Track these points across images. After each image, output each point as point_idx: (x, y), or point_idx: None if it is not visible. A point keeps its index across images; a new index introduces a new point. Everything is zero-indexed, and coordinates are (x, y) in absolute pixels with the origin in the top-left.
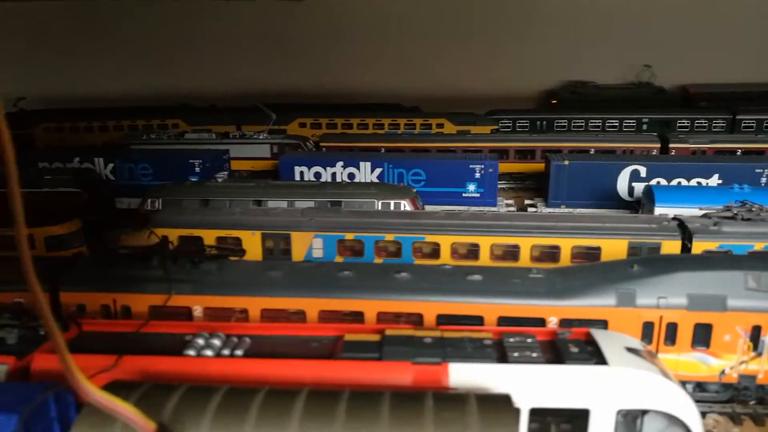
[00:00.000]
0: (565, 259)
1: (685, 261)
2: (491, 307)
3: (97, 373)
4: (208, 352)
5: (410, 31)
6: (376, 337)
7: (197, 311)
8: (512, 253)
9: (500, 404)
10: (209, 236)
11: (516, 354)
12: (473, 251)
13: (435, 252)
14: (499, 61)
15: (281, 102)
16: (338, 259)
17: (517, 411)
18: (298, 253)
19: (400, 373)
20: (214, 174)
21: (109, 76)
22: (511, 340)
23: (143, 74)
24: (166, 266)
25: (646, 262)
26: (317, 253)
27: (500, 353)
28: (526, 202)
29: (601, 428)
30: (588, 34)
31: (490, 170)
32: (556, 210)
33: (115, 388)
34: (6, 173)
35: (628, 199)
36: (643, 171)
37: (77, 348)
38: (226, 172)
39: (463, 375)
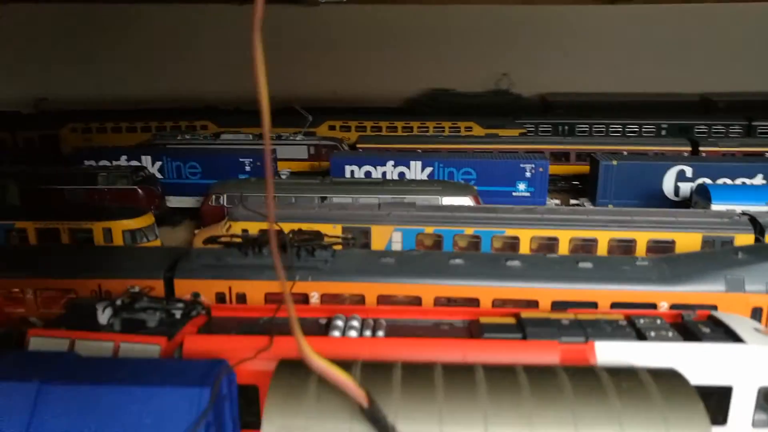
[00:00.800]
0: (639, 252)
1: None
2: (605, 293)
3: (260, 352)
4: (353, 333)
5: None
6: (511, 320)
7: (314, 298)
8: (589, 246)
9: (672, 378)
10: (290, 229)
11: (653, 333)
12: (552, 244)
13: (514, 246)
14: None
15: (305, 106)
16: None
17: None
18: (377, 247)
19: (548, 352)
20: (263, 173)
21: (130, 79)
22: (642, 321)
23: (165, 77)
24: (289, 254)
25: (751, 250)
26: (396, 247)
27: (637, 333)
28: (572, 201)
29: (743, 405)
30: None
31: (541, 170)
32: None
33: (289, 366)
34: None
35: (674, 198)
36: (689, 171)
37: (214, 330)
38: (288, 170)
39: (608, 353)
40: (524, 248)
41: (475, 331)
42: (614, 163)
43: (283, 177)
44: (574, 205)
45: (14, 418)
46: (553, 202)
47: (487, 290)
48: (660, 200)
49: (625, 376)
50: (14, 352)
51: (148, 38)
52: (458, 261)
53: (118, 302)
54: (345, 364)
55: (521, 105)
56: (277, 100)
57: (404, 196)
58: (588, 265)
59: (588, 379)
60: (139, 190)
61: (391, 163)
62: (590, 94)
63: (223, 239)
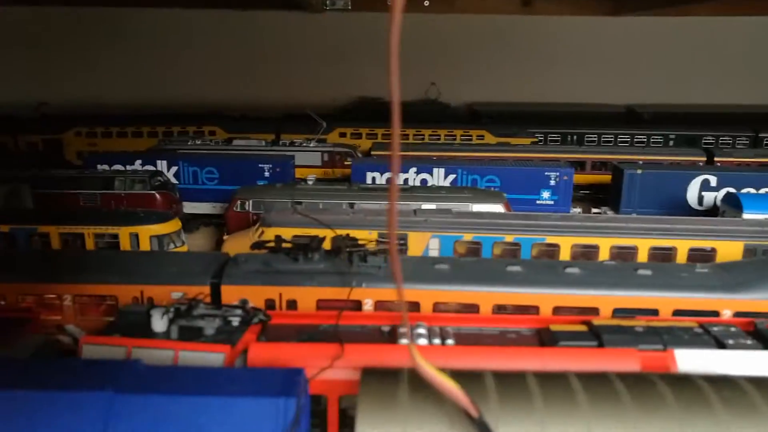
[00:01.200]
0: (680, 260)
1: None
2: (667, 300)
3: (335, 359)
4: (422, 341)
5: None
6: (582, 327)
7: (367, 305)
8: (630, 254)
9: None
10: (324, 235)
11: (731, 341)
12: (592, 252)
13: (553, 253)
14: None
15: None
16: None
17: None
18: (414, 253)
19: (627, 360)
20: (282, 179)
21: (133, 84)
22: (716, 329)
23: (169, 83)
24: (349, 261)
25: None
26: (433, 254)
27: (715, 340)
28: (594, 210)
29: None
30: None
31: (565, 178)
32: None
33: (373, 374)
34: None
35: (698, 207)
36: (713, 180)
37: (272, 337)
38: (314, 176)
39: (689, 361)
40: (564, 256)
41: (546, 339)
42: (639, 171)
43: (309, 183)
44: (596, 213)
45: (87, 428)
46: (575, 210)
47: (547, 297)
48: (683, 209)
49: (724, 385)
50: (72, 360)
51: (151, 43)
52: (516, 268)
53: (174, 309)
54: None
55: (447, 114)
56: (278, 107)
57: (434, 203)
58: (647, 272)
59: (687, 388)
60: (157, 195)
61: (413, 170)
62: (517, 104)
63: (270, 245)
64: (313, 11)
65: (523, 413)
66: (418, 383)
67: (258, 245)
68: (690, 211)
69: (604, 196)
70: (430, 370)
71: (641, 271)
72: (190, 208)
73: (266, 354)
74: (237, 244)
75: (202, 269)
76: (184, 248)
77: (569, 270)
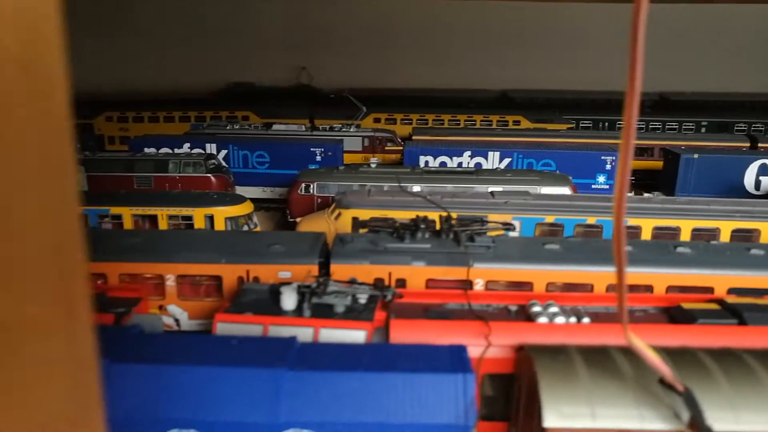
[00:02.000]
0: (765, 242)
1: None
2: None
3: (487, 337)
4: (560, 319)
5: None
6: (714, 306)
7: (478, 284)
8: (711, 236)
9: None
10: (403, 216)
11: None
12: (674, 235)
13: (635, 235)
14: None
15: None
16: None
17: None
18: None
19: None
20: (332, 163)
21: (162, 69)
22: None
23: (193, 67)
24: (456, 240)
25: None
26: (514, 236)
27: None
28: (645, 194)
29: None
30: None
31: None
32: None
33: (542, 352)
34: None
35: (755, 192)
36: None
37: (398, 315)
38: (376, 159)
39: None
40: (645, 237)
41: (680, 317)
42: (695, 156)
43: (372, 166)
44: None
45: (263, 404)
46: (629, 195)
47: (660, 277)
48: (740, 194)
49: None
50: (221, 337)
51: (181, 27)
52: (627, 248)
53: (306, 287)
54: (578, 352)
55: (319, 98)
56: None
57: (501, 186)
58: (759, 251)
59: None
60: (213, 178)
61: (467, 153)
62: (548, 90)
63: (376, 224)
64: None
65: (712, 390)
66: (591, 361)
67: (361, 224)
68: (747, 196)
69: (642, 180)
70: (642, 347)
71: (754, 251)
72: (239, 191)
73: (407, 331)
74: (312, 226)
75: (307, 248)
76: (257, 230)
77: (681, 249)
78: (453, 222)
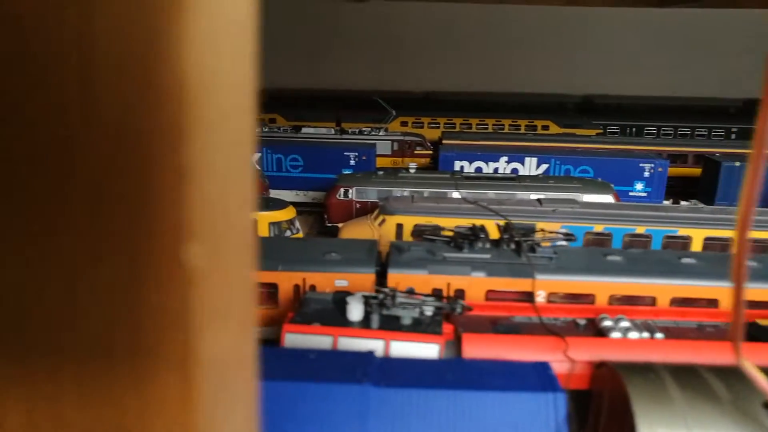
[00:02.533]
0: None
1: None
2: None
3: (565, 353)
4: (634, 334)
5: None
6: None
7: (540, 296)
8: (764, 247)
9: None
10: (448, 224)
11: None
12: (725, 245)
13: (685, 246)
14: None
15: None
16: None
17: None
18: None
19: None
20: (366, 167)
21: None
22: None
23: None
24: (517, 251)
25: None
26: (561, 245)
27: None
28: (683, 203)
29: None
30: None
31: (660, 169)
32: None
33: (626, 369)
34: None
35: None
36: None
37: (471, 327)
38: (415, 164)
39: None
40: (696, 249)
41: (758, 334)
42: (737, 164)
43: (412, 171)
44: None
45: (349, 421)
46: (666, 203)
47: (728, 291)
48: None
49: None
50: (299, 350)
51: None
52: (691, 260)
53: (374, 297)
54: (665, 370)
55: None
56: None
57: (543, 193)
58: None
59: None
60: None
61: (504, 159)
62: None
63: (432, 233)
64: None
65: None
66: (681, 380)
67: (419, 233)
68: None
69: (678, 187)
70: (752, 368)
71: None
72: (272, 195)
73: (481, 345)
74: (355, 232)
75: (363, 256)
76: (299, 235)
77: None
78: (513, 232)
